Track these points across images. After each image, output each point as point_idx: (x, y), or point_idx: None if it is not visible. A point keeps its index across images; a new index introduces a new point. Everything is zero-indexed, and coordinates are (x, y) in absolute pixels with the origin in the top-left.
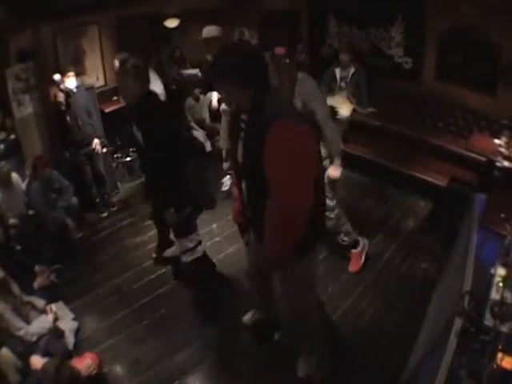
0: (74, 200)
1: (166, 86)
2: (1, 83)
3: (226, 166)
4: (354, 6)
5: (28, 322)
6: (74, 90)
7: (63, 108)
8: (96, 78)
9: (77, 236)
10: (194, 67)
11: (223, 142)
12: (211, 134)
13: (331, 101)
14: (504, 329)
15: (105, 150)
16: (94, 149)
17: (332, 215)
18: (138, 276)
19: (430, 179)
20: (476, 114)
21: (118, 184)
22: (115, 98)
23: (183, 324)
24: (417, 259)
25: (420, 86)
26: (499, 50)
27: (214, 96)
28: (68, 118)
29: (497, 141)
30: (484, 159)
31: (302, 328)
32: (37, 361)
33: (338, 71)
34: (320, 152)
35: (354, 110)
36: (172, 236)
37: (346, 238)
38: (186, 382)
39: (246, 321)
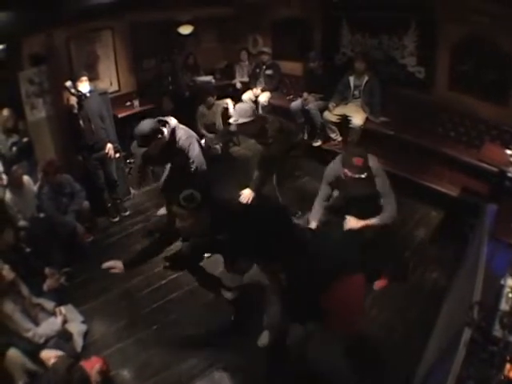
0: (86, 204)
1: (179, 93)
2: (14, 87)
3: None
4: (367, 14)
5: (37, 323)
6: (87, 95)
7: (75, 111)
8: (109, 83)
9: (87, 240)
10: (207, 74)
11: None
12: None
13: (344, 109)
14: None
15: (118, 154)
16: (107, 153)
17: None
18: (149, 281)
19: (441, 189)
20: (488, 124)
21: (131, 189)
22: (128, 103)
23: (192, 330)
24: (427, 269)
25: (432, 96)
26: (511, 59)
27: (231, 104)
28: (81, 122)
29: (508, 151)
30: (495, 169)
31: None
32: (48, 354)
33: (351, 79)
34: None
35: (367, 119)
36: None
37: None
38: None
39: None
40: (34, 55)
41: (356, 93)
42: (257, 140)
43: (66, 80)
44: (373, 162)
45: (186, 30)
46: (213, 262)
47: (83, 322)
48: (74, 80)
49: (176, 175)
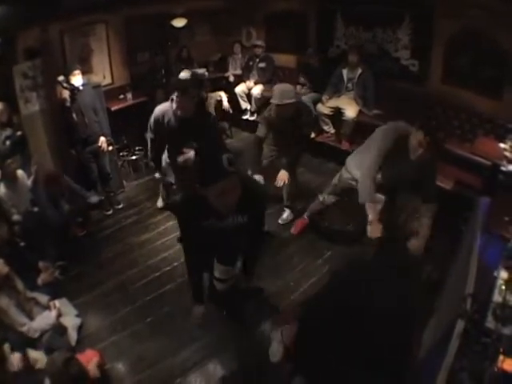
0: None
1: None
2: (8, 80)
3: None
4: (361, 7)
5: (31, 317)
6: (80, 88)
7: (68, 105)
8: (103, 76)
9: (80, 234)
10: (200, 67)
11: None
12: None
13: (338, 102)
14: (506, 331)
15: (111, 148)
16: (100, 146)
17: None
18: (143, 274)
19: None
20: (482, 118)
21: (124, 182)
22: (122, 96)
23: (186, 322)
24: (420, 261)
25: (426, 89)
26: (506, 54)
27: (224, 96)
28: (74, 116)
29: (502, 145)
30: (489, 163)
31: None
32: (36, 355)
33: (345, 72)
34: None
35: (360, 112)
36: None
37: None
38: (187, 381)
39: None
40: (29, 49)
41: (349, 85)
42: (290, 122)
43: (60, 74)
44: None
45: (179, 23)
46: None
47: (77, 316)
48: (67, 74)
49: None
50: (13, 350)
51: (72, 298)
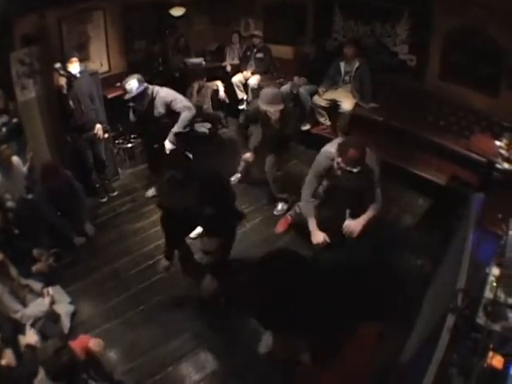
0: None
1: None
2: (5, 67)
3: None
4: (360, 1)
5: (25, 304)
6: (78, 75)
7: (65, 92)
8: (100, 63)
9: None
10: (198, 56)
11: None
12: (212, 121)
13: (334, 94)
14: (496, 328)
15: (106, 135)
16: (96, 134)
17: None
18: (136, 261)
19: (429, 177)
20: (478, 115)
21: (119, 170)
22: (118, 84)
23: (179, 311)
24: (413, 255)
25: (423, 84)
26: (504, 52)
27: (221, 86)
28: (71, 103)
29: (498, 142)
30: (484, 160)
31: None
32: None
33: (342, 65)
34: None
35: (356, 105)
36: None
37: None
38: (179, 368)
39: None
40: (26, 36)
41: (346, 78)
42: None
43: (57, 61)
44: (370, 159)
45: (177, 11)
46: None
47: (71, 303)
48: (64, 61)
49: None
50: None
51: (65, 285)
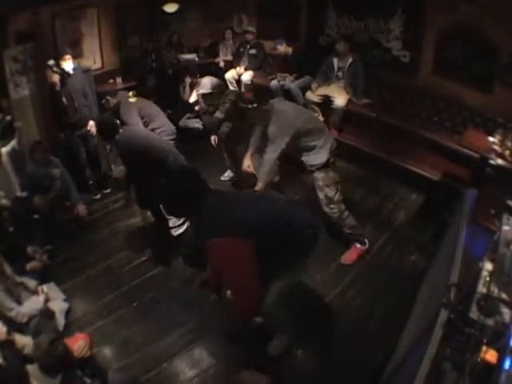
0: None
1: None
2: None
3: None
4: None
5: (19, 302)
6: (71, 72)
7: (58, 89)
8: (93, 60)
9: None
10: (191, 52)
11: None
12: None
13: (327, 90)
14: (489, 322)
15: None
16: (89, 131)
17: (335, 209)
18: (130, 258)
19: (422, 172)
20: (471, 111)
21: (112, 166)
22: (111, 80)
23: (172, 307)
24: (406, 251)
25: (417, 80)
26: (497, 49)
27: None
28: (64, 100)
29: (491, 138)
30: (477, 156)
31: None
32: (24, 341)
33: (335, 61)
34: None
35: (349, 100)
36: None
37: (349, 231)
38: (173, 365)
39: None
40: (20, 33)
41: (339, 74)
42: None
43: (51, 58)
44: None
45: (171, 8)
46: None
47: (65, 300)
48: (58, 58)
49: None
50: None
51: (60, 282)
